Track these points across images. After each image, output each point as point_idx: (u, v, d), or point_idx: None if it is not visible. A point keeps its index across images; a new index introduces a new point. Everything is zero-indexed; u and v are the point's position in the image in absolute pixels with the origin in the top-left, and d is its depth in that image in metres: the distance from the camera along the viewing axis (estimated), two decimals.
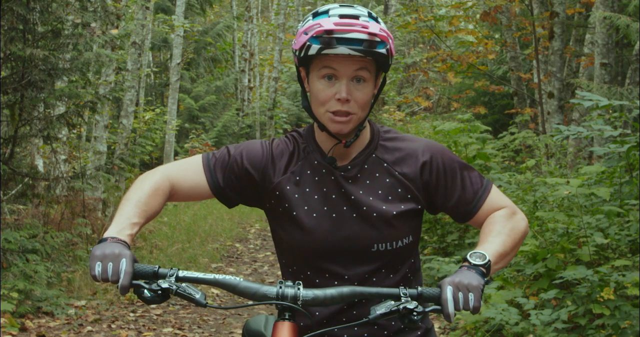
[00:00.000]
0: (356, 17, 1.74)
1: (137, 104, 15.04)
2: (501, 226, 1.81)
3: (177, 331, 5.76)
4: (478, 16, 12.87)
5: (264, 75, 26.70)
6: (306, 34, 1.74)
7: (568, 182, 5.06)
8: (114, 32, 8.99)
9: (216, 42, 24.44)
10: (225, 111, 22.81)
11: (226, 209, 12.34)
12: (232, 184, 1.87)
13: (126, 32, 9.64)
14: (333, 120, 1.77)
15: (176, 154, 19.01)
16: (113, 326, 5.75)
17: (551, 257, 4.86)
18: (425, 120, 20.10)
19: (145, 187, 1.80)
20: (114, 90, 8.22)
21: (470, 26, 16.90)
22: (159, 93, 22.79)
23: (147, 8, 13.25)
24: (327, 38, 1.70)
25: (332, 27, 1.70)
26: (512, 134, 10.07)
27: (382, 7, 25.29)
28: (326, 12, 1.77)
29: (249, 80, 23.78)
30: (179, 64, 16.79)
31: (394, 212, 1.82)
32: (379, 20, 1.79)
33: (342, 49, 1.70)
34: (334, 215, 1.83)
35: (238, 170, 1.87)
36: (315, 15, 1.79)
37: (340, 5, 1.79)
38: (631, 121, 5.33)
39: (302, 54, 1.76)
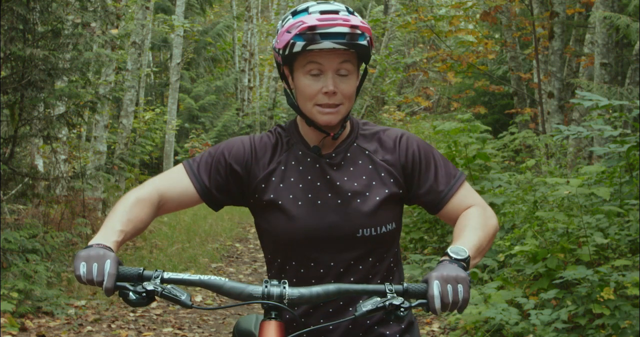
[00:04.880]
0: (336, 12, 1.80)
1: (137, 104, 15.04)
2: (475, 222, 1.85)
3: (177, 331, 5.76)
4: (478, 16, 12.87)
5: (264, 75, 26.70)
6: (289, 32, 1.79)
7: (568, 182, 5.06)
8: (114, 32, 8.99)
9: (216, 42, 24.46)
10: (225, 111, 22.82)
11: (226, 209, 12.34)
12: (219, 184, 1.90)
13: (126, 32, 9.64)
14: (322, 112, 1.83)
15: (176, 154, 19.02)
16: (113, 325, 5.75)
17: (551, 257, 4.86)
18: (425, 120, 20.08)
19: (131, 199, 1.84)
20: (114, 90, 8.22)
21: (470, 26, 16.89)
22: (159, 93, 22.79)
23: (147, 8, 13.24)
24: (310, 34, 1.76)
25: (316, 22, 1.75)
26: (512, 134, 10.05)
27: (382, 7, 25.28)
28: (305, 10, 1.83)
29: (249, 80, 23.79)
30: (179, 64, 16.78)
31: (377, 198, 1.87)
32: (356, 14, 1.86)
33: (327, 44, 1.76)
34: (318, 202, 1.87)
35: (223, 169, 1.90)
36: (295, 13, 1.84)
37: (318, 3, 1.85)
38: (631, 121, 5.33)
39: (286, 52, 1.81)
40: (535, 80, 10.77)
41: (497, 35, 16.62)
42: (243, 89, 23.47)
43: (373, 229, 1.86)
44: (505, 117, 15.07)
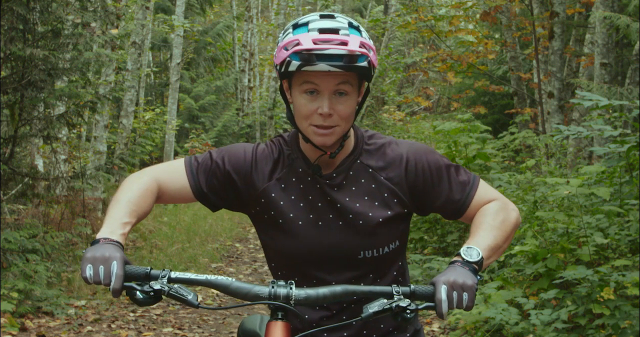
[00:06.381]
0: (336, 30, 1.72)
1: (137, 104, 15.04)
2: (492, 219, 1.81)
3: (177, 331, 5.76)
4: (478, 16, 12.87)
5: (264, 75, 26.69)
6: (286, 49, 1.72)
7: (568, 182, 5.06)
8: (114, 32, 8.99)
9: (216, 42, 24.44)
10: (225, 111, 22.80)
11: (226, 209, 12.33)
12: (215, 188, 1.88)
13: (126, 32, 9.64)
14: (316, 133, 1.77)
15: (176, 154, 19.01)
16: (113, 325, 5.75)
17: (551, 257, 4.86)
18: (425, 120, 20.11)
19: (135, 187, 1.81)
20: (114, 90, 8.23)
21: (470, 26, 16.89)
22: (159, 93, 22.79)
23: (147, 8, 13.25)
24: (306, 55, 1.68)
25: (311, 45, 1.68)
26: (512, 134, 10.06)
27: (382, 7, 25.27)
28: (306, 24, 1.75)
29: (249, 80, 23.77)
30: (179, 64, 16.78)
31: (380, 219, 1.83)
32: (361, 29, 1.78)
33: (322, 66, 1.68)
34: (320, 223, 1.84)
35: (220, 175, 1.87)
36: (295, 27, 1.77)
37: (320, 16, 1.77)
38: (631, 121, 5.33)
39: (282, 70, 1.74)
40: (535, 80, 10.76)
41: (497, 35, 16.62)
42: (243, 89, 23.46)
43: (375, 250, 1.83)
44: (505, 117, 15.07)
